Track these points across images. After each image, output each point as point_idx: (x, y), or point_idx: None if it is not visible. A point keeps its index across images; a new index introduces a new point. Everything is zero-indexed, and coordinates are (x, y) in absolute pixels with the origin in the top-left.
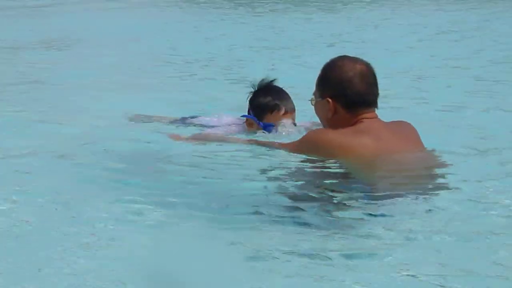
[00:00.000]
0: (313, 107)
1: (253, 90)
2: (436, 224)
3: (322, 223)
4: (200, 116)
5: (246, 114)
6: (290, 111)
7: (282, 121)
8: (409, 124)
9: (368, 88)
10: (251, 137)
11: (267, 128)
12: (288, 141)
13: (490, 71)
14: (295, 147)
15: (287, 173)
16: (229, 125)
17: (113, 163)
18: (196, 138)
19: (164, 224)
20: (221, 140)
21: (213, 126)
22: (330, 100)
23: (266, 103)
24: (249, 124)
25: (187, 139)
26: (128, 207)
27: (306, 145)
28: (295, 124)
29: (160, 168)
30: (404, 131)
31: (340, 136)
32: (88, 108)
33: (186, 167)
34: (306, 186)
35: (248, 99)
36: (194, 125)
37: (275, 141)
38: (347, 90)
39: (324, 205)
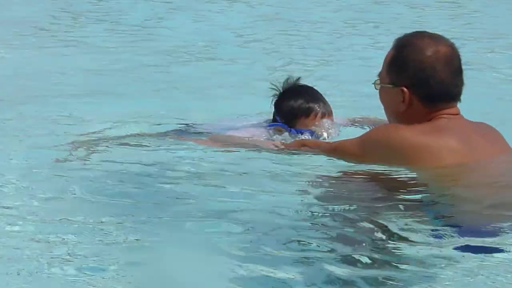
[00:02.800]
0: (376, 91)
1: (277, 92)
2: None
3: (376, 260)
4: (202, 123)
5: (273, 121)
6: (328, 113)
7: (322, 121)
8: (491, 126)
9: (454, 77)
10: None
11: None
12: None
13: None
14: (353, 149)
15: (330, 186)
16: (250, 128)
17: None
18: (214, 140)
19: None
20: (246, 144)
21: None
22: (406, 90)
23: (298, 106)
24: (277, 131)
25: (200, 142)
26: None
27: (369, 146)
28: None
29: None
30: (491, 133)
31: (419, 135)
32: None
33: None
34: (355, 205)
35: (273, 103)
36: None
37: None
38: (429, 80)
39: (381, 233)
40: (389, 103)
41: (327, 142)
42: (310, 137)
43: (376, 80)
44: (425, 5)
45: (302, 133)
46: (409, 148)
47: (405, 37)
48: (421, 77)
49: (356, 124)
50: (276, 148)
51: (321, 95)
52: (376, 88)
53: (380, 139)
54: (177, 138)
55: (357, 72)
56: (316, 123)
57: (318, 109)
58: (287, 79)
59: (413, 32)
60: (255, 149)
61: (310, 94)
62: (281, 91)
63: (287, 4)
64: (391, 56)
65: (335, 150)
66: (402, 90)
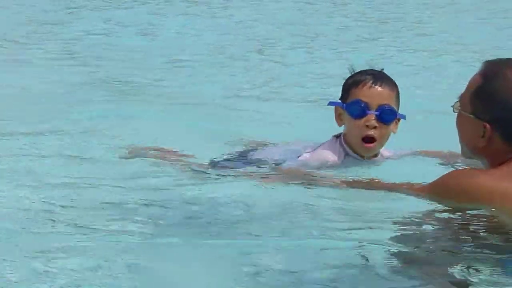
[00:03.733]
0: (453, 114)
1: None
2: None
3: None
4: (258, 149)
5: (330, 101)
6: (380, 83)
7: (371, 91)
8: None
9: None
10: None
11: (351, 108)
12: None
13: None
14: (425, 195)
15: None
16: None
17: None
18: (288, 174)
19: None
20: (303, 179)
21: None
22: (488, 127)
23: (350, 80)
24: (338, 116)
25: (276, 179)
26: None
27: (442, 194)
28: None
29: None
30: None
31: (496, 181)
32: None
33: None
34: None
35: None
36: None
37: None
38: None
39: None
40: (466, 133)
41: (417, 188)
42: (355, 107)
43: (455, 103)
44: None
45: (351, 106)
46: (487, 196)
47: (496, 65)
48: (506, 113)
49: (420, 155)
50: (335, 185)
51: (382, 72)
52: (454, 111)
53: (454, 188)
54: (233, 171)
55: None
56: (366, 92)
57: (368, 78)
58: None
59: (506, 60)
60: (312, 185)
61: (366, 70)
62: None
63: None
64: (477, 84)
65: (419, 194)
66: (485, 126)
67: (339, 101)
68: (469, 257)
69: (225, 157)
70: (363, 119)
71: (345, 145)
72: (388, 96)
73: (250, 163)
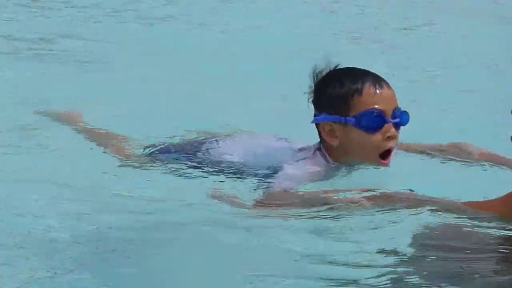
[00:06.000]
0: None
1: (312, 87)
2: None
3: None
4: (208, 139)
5: (317, 118)
6: (386, 83)
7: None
8: None
9: None
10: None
11: (364, 121)
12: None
13: None
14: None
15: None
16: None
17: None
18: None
19: None
20: (312, 201)
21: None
22: None
23: (346, 88)
24: (327, 134)
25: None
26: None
27: None
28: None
29: None
30: None
31: None
32: None
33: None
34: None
35: (311, 101)
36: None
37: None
38: None
39: None
40: None
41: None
42: (373, 117)
43: None
44: None
45: (365, 115)
46: None
47: None
48: None
49: (432, 153)
50: (361, 206)
51: (369, 71)
52: None
53: None
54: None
55: None
56: (377, 98)
57: (368, 80)
58: (320, 70)
59: None
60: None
61: (354, 73)
62: (316, 83)
63: None
64: None
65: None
66: None
67: (328, 115)
68: None
69: (163, 146)
70: (382, 131)
71: (329, 159)
72: (395, 96)
73: (199, 163)
